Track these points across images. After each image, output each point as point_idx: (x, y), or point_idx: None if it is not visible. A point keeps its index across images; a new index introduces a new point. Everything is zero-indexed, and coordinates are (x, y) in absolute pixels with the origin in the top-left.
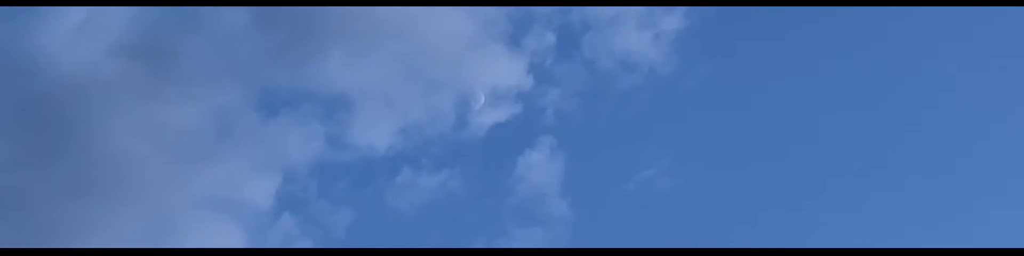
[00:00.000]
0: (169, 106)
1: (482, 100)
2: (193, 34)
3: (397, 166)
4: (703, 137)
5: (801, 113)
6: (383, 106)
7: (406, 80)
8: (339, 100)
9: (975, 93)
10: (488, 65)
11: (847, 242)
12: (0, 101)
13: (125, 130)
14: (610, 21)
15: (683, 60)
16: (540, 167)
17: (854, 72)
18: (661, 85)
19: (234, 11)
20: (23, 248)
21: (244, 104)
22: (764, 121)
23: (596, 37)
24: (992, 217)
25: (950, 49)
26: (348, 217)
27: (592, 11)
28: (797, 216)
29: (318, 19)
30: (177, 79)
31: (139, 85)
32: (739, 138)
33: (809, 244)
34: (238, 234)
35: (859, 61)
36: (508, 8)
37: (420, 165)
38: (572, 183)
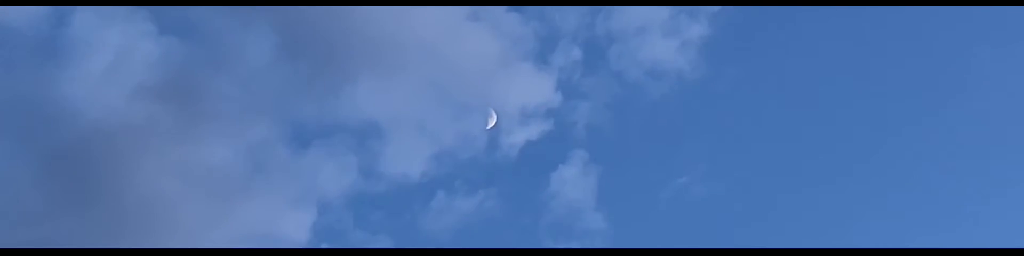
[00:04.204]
0: (200, 145)
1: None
2: (218, 71)
3: (431, 191)
4: (736, 141)
5: (833, 114)
6: (414, 132)
7: (435, 104)
8: (370, 129)
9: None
10: (516, 84)
11: (881, 242)
12: (31, 150)
13: (157, 171)
14: (636, 32)
15: (710, 66)
16: (574, 182)
17: (882, 72)
18: (690, 91)
19: (258, 45)
20: (23, 248)
21: (275, 139)
22: (796, 123)
23: (622, 48)
24: (994, 217)
25: (975, 50)
26: (385, 245)
27: (617, 23)
28: (836, 217)
29: (342, 47)
30: (206, 118)
31: (168, 126)
32: (772, 140)
33: (846, 244)
34: None
35: (885, 61)
36: (535, 26)
37: (454, 189)
38: (607, 195)
